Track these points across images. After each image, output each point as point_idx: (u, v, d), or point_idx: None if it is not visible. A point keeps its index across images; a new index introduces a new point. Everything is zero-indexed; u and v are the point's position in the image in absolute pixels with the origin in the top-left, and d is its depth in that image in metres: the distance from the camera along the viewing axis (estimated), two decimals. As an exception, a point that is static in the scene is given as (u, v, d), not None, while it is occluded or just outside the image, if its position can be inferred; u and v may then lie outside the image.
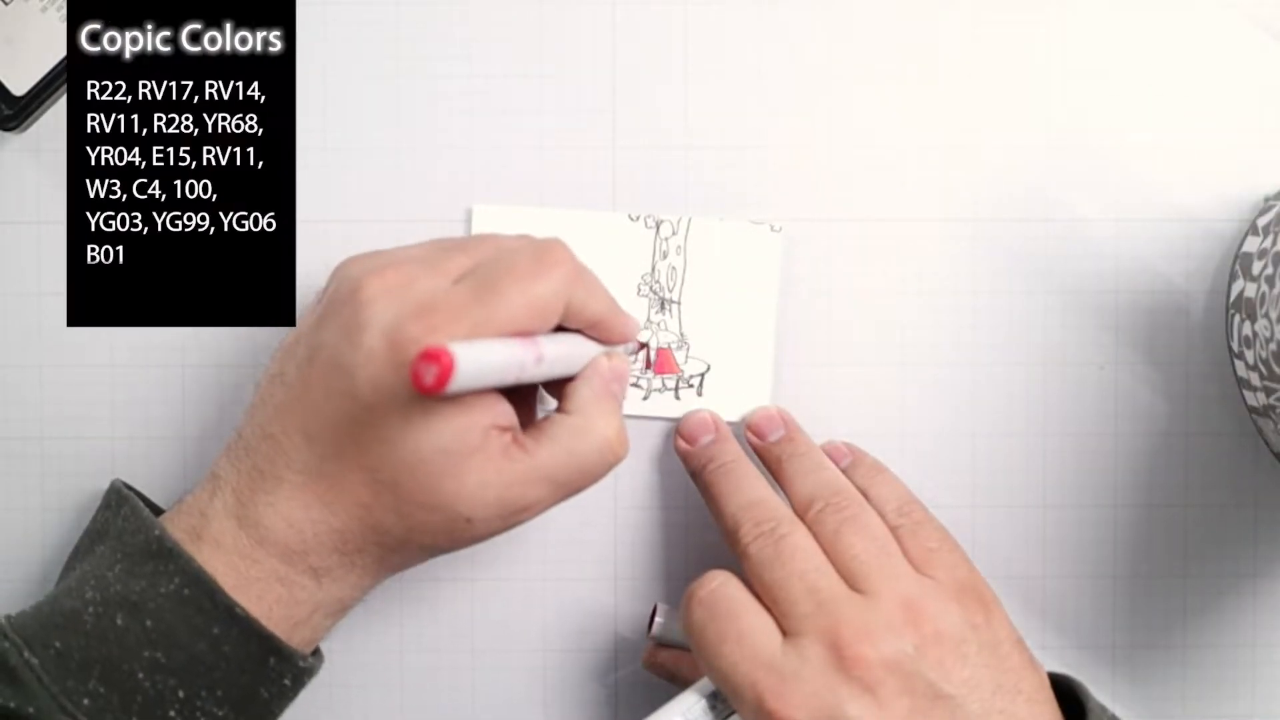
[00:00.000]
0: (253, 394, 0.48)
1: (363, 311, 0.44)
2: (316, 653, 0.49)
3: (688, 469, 0.53)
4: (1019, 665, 0.46)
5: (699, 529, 0.55)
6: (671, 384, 0.54)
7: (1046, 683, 0.46)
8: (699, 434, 0.53)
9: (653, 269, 0.54)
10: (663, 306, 0.55)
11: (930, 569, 0.47)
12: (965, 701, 0.44)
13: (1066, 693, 0.47)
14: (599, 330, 0.48)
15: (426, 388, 0.39)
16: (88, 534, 0.49)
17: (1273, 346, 0.49)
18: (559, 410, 0.47)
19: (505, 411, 0.45)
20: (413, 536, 0.45)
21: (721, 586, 0.46)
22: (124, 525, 0.47)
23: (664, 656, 0.52)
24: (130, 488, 0.49)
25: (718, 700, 0.47)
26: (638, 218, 0.54)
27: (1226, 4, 0.55)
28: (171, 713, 0.44)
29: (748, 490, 0.50)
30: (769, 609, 0.46)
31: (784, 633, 0.45)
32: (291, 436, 0.45)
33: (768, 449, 0.52)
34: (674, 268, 0.54)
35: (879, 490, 0.50)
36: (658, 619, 0.52)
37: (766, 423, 0.53)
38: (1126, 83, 0.55)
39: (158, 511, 0.49)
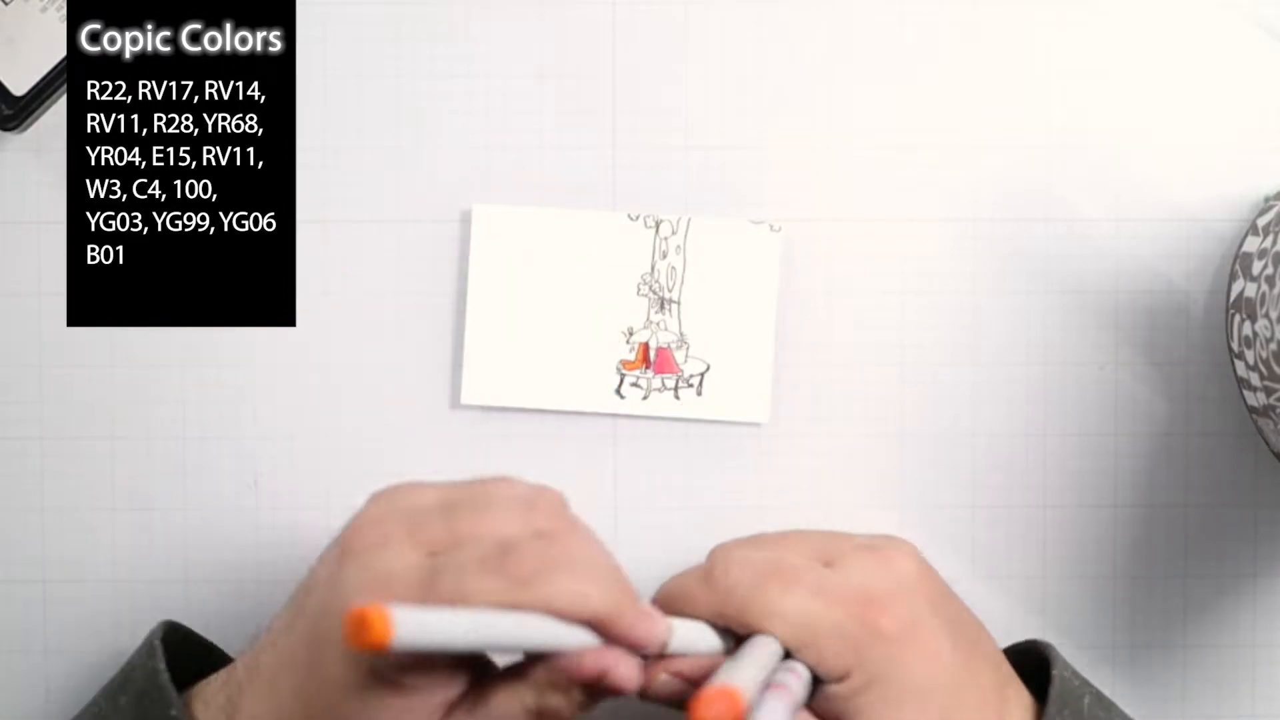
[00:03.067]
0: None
1: (352, 540, 0.41)
2: None
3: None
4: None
5: (699, 529, 0.54)
6: (671, 384, 0.54)
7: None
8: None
9: (652, 269, 0.54)
10: (662, 306, 0.55)
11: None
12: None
13: (1038, 659, 0.47)
14: (599, 627, 0.41)
15: (354, 643, 0.35)
16: (121, 671, 0.47)
17: (1273, 346, 0.49)
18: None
19: (459, 687, 0.41)
20: None
21: (750, 554, 0.45)
22: (145, 687, 0.45)
23: (688, 666, 0.43)
24: (179, 628, 0.47)
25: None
26: (638, 217, 0.54)
27: (1226, 4, 0.55)
28: None
29: (670, 589, 0.46)
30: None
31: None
32: (274, 671, 0.42)
33: (697, 610, 0.45)
34: (674, 267, 0.54)
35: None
36: (679, 630, 0.43)
37: (648, 623, 0.42)
38: (1126, 83, 0.55)
39: (198, 664, 0.47)
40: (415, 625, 0.36)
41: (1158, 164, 0.55)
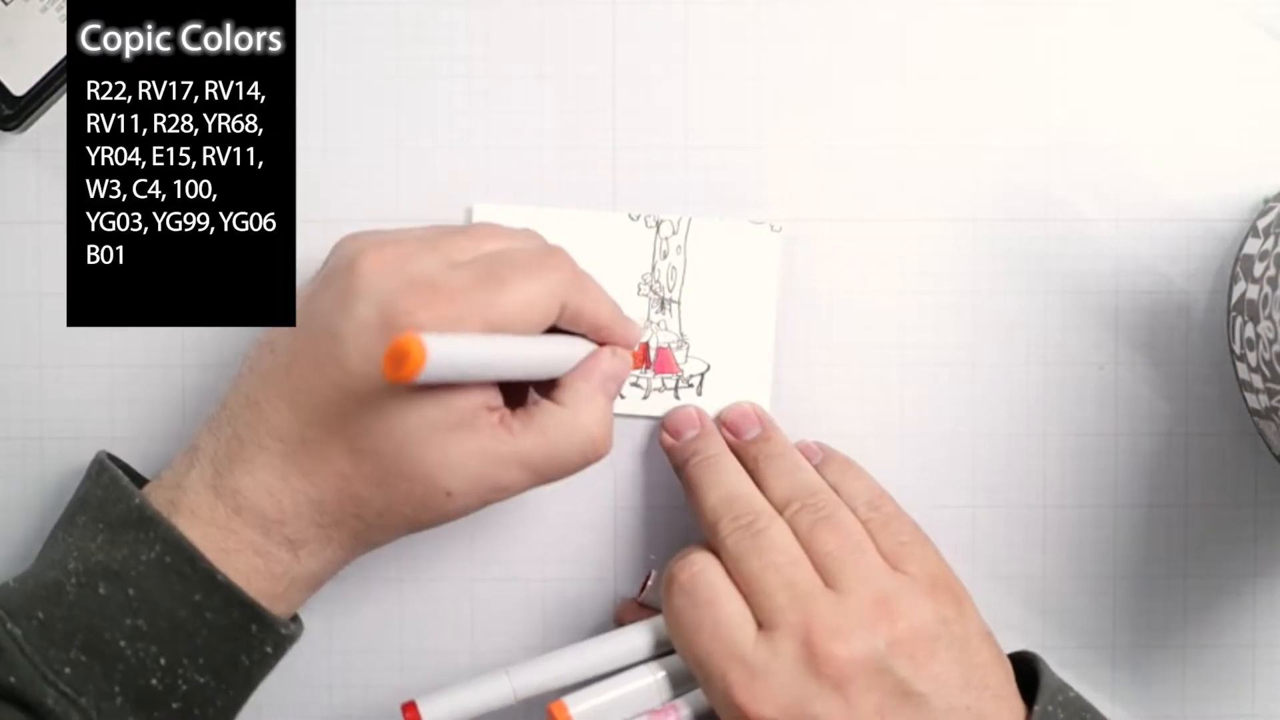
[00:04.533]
0: (240, 364, 0.48)
1: (358, 283, 0.44)
2: (296, 620, 0.49)
3: (672, 463, 0.53)
4: (987, 660, 0.46)
5: (698, 529, 0.54)
6: (671, 384, 0.54)
7: (1012, 676, 0.47)
8: (684, 428, 0.53)
9: (653, 269, 0.54)
10: (663, 306, 0.55)
11: (903, 564, 0.47)
12: (933, 698, 0.44)
13: (1027, 669, 0.47)
14: (603, 336, 0.49)
15: (394, 376, 0.39)
16: (70, 505, 0.49)
17: (1276, 348, 0.49)
18: (551, 398, 0.48)
19: (494, 393, 0.46)
20: (392, 507, 0.45)
21: (702, 572, 0.47)
22: (104, 495, 0.47)
23: (631, 619, 0.52)
24: (114, 458, 0.49)
25: (685, 680, 0.48)
26: (638, 218, 0.54)
27: (1226, 4, 0.55)
28: (153, 680, 0.45)
29: (729, 484, 0.50)
30: (746, 599, 0.46)
31: (759, 624, 0.45)
32: (275, 403, 0.45)
33: (744, 448, 0.52)
34: (674, 267, 0.54)
35: (849, 485, 0.50)
36: (650, 584, 0.52)
37: (742, 420, 0.53)
38: (1126, 83, 0.55)
39: (141, 482, 0.49)
40: (448, 353, 0.40)
41: (1158, 164, 0.55)
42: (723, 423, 0.53)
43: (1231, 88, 0.55)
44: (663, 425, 0.54)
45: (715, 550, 0.48)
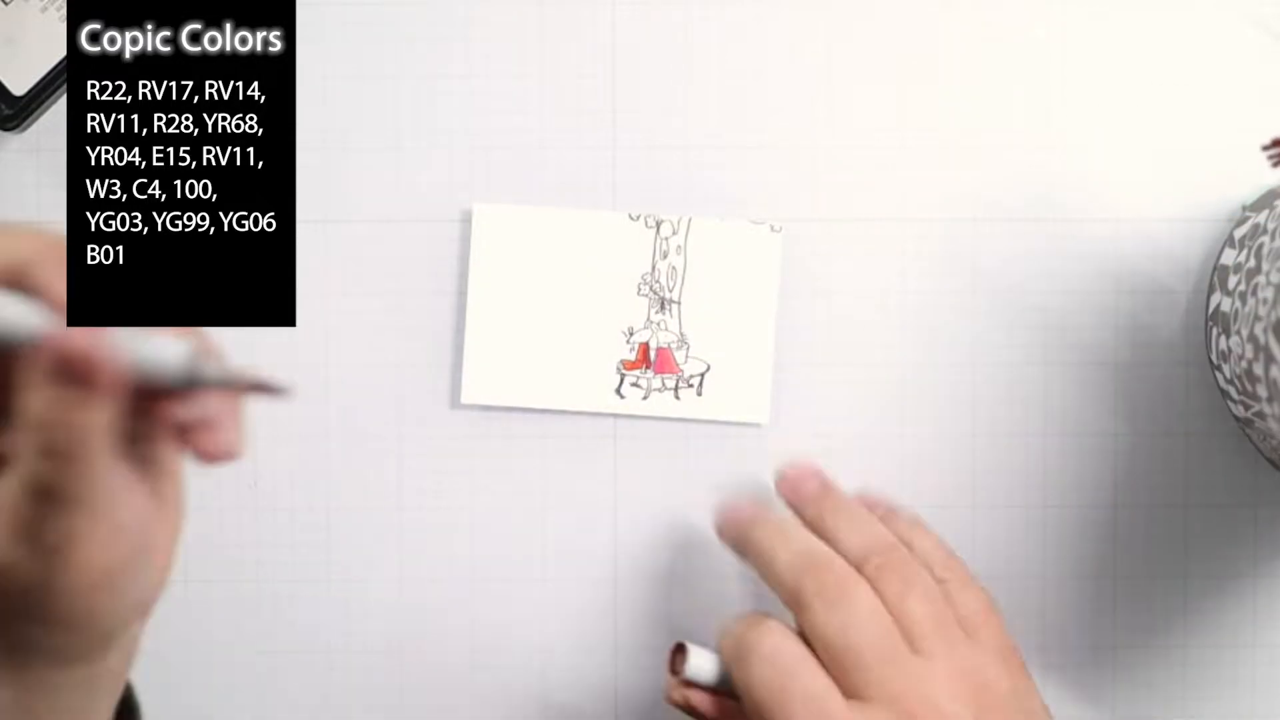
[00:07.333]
0: None
1: None
2: None
3: (726, 534, 0.51)
4: None
5: (699, 529, 0.54)
6: (671, 384, 0.54)
7: None
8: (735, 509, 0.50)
9: (653, 269, 0.54)
10: (663, 306, 0.55)
11: (976, 632, 0.47)
12: None
13: None
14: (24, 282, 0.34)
15: None
16: None
17: (1244, 365, 0.49)
18: None
19: None
20: None
21: (784, 640, 0.45)
22: None
23: (697, 699, 0.49)
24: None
25: None
26: (638, 217, 0.54)
27: (1226, 4, 0.55)
28: None
29: (799, 540, 0.48)
30: (827, 665, 0.45)
31: (844, 692, 0.44)
32: None
33: (804, 504, 0.50)
34: (674, 268, 0.54)
35: (920, 543, 0.49)
36: (691, 659, 0.48)
37: (801, 478, 0.51)
38: (1126, 83, 0.55)
39: None
40: None
41: (1158, 164, 0.55)
42: (780, 481, 0.51)
43: (1232, 88, 0.55)
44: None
45: (795, 610, 0.46)
